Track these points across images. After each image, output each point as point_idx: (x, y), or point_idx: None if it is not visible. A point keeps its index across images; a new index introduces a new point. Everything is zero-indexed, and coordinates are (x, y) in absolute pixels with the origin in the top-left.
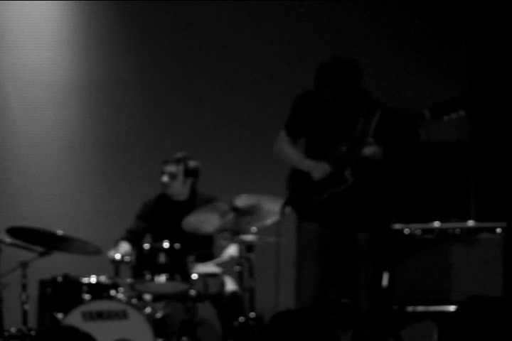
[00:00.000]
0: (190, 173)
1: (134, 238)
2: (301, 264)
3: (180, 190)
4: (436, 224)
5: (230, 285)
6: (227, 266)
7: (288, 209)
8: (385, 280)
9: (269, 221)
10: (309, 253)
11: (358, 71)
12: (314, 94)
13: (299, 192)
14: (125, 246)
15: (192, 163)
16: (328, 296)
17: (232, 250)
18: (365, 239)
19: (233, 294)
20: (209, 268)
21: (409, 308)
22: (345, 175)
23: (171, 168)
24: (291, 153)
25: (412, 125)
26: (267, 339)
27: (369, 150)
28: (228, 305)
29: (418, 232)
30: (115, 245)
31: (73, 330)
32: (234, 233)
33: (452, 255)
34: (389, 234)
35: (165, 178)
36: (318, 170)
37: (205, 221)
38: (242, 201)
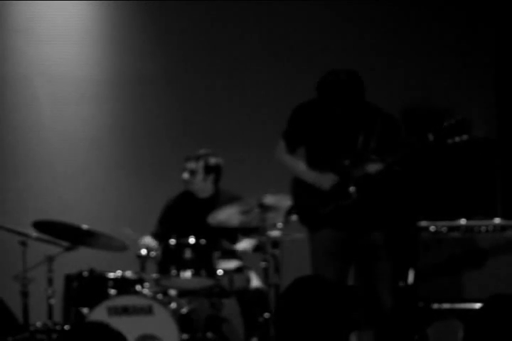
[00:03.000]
0: (211, 170)
1: (159, 240)
2: (318, 270)
3: (201, 186)
4: (463, 221)
5: (255, 281)
6: (253, 262)
7: (293, 217)
8: (410, 278)
9: (294, 217)
10: (325, 258)
11: (359, 83)
12: (317, 103)
13: (305, 202)
14: (148, 240)
15: (213, 160)
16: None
17: (243, 244)
18: (380, 238)
19: (257, 290)
20: (233, 264)
21: (435, 306)
22: (349, 191)
23: (191, 165)
24: (293, 164)
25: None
26: (286, 303)
27: (372, 168)
28: (253, 302)
29: (444, 230)
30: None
31: (104, 326)
32: (259, 229)
33: (478, 252)
34: (413, 231)
35: (185, 175)
36: (326, 180)
37: (230, 216)
38: (268, 198)
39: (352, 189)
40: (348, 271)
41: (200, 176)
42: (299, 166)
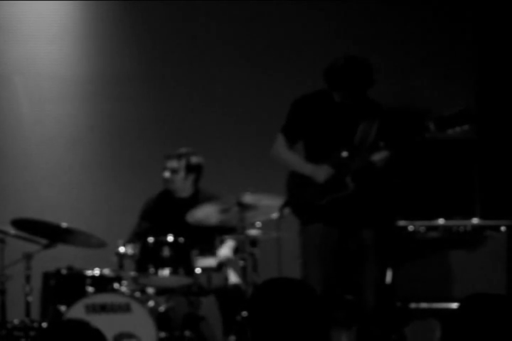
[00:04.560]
0: (192, 169)
1: (139, 240)
2: (307, 264)
3: (182, 185)
4: (441, 221)
5: (233, 278)
6: (231, 261)
7: (287, 210)
8: (388, 277)
9: (272, 216)
10: (315, 253)
11: (371, 71)
12: (315, 96)
13: (299, 195)
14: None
15: (194, 159)
16: (334, 294)
17: (225, 251)
18: (370, 237)
19: (235, 287)
20: (210, 261)
21: (413, 305)
22: (346, 182)
23: (173, 164)
24: (291, 158)
25: (417, 135)
26: (254, 306)
27: (379, 156)
28: (231, 299)
29: (422, 229)
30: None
31: (83, 324)
32: (237, 228)
33: (456, 252)
34: (393, 231)
35: (166, 174)
36: (321, 172)
37: (209, 214)
38: (247, 197)
39: (349, 179)
40: (337, 267)
41: (181, 175)
42: (297, 160)
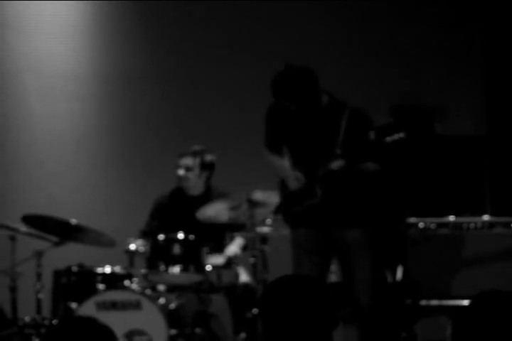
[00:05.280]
0: (206, 167)
1: (148, 238)
2: (296, 267)
3: (195, 183)
4: (451, 218)
5: (244, 276)
6: (242, 258)
7: (278, 217)
8: (398, 275)
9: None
10: (302, 256)
11: (313, 78)
12: (277, 106)
13: (284, 201)
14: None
15: (208, 157)
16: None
17: (233, 248)
18: (354, 236)
19: (246, 286)
20: (218, 259)
21: (423, 302)
22: (315, 190)
23: (188, 161)
24: (277, 165)
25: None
26: (266, 302)
27: (336, 164)
28: (241, 296)
29: (433, 226)
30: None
31: (92, 321)
32: (247, 225)
33: (466, 249)
34: (402, 228)
35: (181, 171)
36: (293, 181)
37: (219, 211)
38: (257, 194)
39: (317, 188)
40: (329, 268)
41: (195, 173)
42: (282, 167)
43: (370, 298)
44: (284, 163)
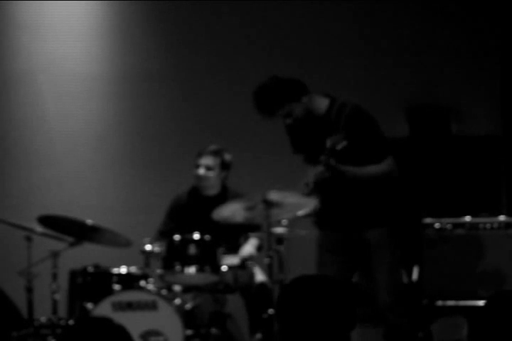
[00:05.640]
0: (226, 167)
1: (165, 238)
2: (320, 266)
3: (214, 183)
4: (467, 218)
5: (259, 275)
6: (257, 258)
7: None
8: (415, 275)
9: (298, 213)
10: (325, 256)
11: (300, 88)
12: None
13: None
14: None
15: (228, 156)
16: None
17: (249, 248)
18: (375, 237)
19: (261, 285)
20: (233, 260)
21: (439, 303)
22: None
23: (208, 161)
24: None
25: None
26: (285, 301)
27: (317, 170)
28: (257, 297)
29: (449, 227)
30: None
31: (107, 321)
32: (262, 226)
33: (483, 249)
34: (418, 228)
35: (201, 171)
36: (302, 185)
37: (235, 212)
38: (272, 195)
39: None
40: (352, 268)
41: (216, 172)
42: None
43: (391, 298)
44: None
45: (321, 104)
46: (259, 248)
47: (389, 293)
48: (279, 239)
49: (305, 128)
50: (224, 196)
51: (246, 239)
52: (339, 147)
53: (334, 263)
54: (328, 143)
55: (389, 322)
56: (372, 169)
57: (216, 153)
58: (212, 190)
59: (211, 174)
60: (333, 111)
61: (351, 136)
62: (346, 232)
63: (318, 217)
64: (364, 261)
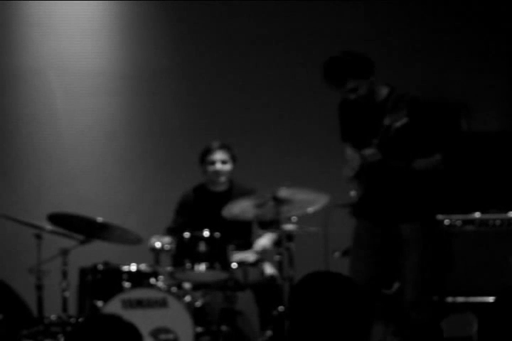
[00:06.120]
0: (235, 160)
1: (174, 235)
2: (351, 257)
3: (228, 177)
4: (477, 215)
5: (269, 269)
6: (266, 255)
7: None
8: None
9: (309, 210)
10: (357, 248)
11: (367, 65)
12: (344, 99)
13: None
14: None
15: (234, 150)
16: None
17: (264, 240)
18: (408, 232)
19: (271, 278)
20: (247, 256)
21: (449, 299)
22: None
23: (222, 155)
24: (346, 153)
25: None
26: (297, 298)
27: (368, 152)
28: (267, 294)
29: (458, 223)
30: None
31: (117, 319)
32: (273, 222)
33: (493, 246)
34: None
35: (219, 165)
36: (346, 168)
37: (245, 209)
38: (282, 191)
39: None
40: (383, 262)
41: (230, 166)
42: (347, 153)
43: (417, 295)
44: (348, 151)
45: (382, 90)
46: (276, 243)
47: (416, 290)
48: (289, 236)
49: (359, 112)
50: (231, 192)
51: (260, 235)
52: (399, 124)
53: (364, 258)
54: (387, 120)
55: (411, 318)
56: (421, 164)
57: (227, 147)
58: (223, 185)
59: (227, 168)
60: (390, 99)
61: (413, 115)
62: (385, 226)
63: (357, 205)
64: (395, 256)
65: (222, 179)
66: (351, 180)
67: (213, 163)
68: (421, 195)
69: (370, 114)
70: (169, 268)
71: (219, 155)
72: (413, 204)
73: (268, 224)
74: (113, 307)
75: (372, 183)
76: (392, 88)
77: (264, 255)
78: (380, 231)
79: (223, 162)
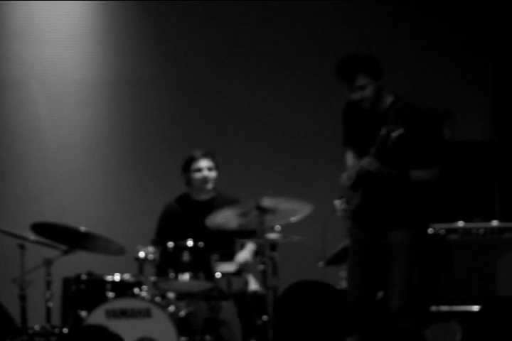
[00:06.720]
0: (218, 167)
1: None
2: (348, 265)
3: (212, 185)
4: (461, 224)
5: (253, 284)
6: (252, 265)
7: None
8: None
9: (292, 219)
10: (352, 257)
11: (378, 66)
12: (350, 104)
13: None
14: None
15: (217, 159)
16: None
17: (245, 254)
18: (398, 238)
19: (255, 294)
20: (229, 267)
21: (433, 308)
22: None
23: (207, 163)
24: (346, 159)
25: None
26: (282, 307)
27: (365, 161)
28: (251, 304)
29: (442, 232)
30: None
31: (103, 329)
32: (257, 231)
33: (476, 255)
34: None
35: (205, 172)
36: (344, 176)
37: (228, 218)
38: (266, 201)
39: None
40: (377, 270)
41: (215, 173)
42: (346, 160)
43: (403, 301)
44: (348, 158)
45: (387, 98)
46: (256, 253)
47: (403, 297)
48: (273, 245)
49: (362, 119)
50: (215, 201)
51: (242, 245)
52: (395, 134)
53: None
54: (383, 131)
55: (398, 325)
56: (418, 175)
57: (211, 155)
58: (207, 194)
59: (213, 174)
60: (394, 108)
61: (409, 126)
62: (378, 233)
63: (355, 213)
64: (384, 263)
65: (209, 186)
66: (348, 189)
67: (200, 170)
68: (414, 203)
69: (372, 121)
70: (153, 278)
71: (204, 163)
72: (406, 212)
73: (249, 234)
74: (97, 317)
75: (367, 191)
76: (396, 97)
77: (247, 268)
78: (374, 238)
79: (209, 169)
